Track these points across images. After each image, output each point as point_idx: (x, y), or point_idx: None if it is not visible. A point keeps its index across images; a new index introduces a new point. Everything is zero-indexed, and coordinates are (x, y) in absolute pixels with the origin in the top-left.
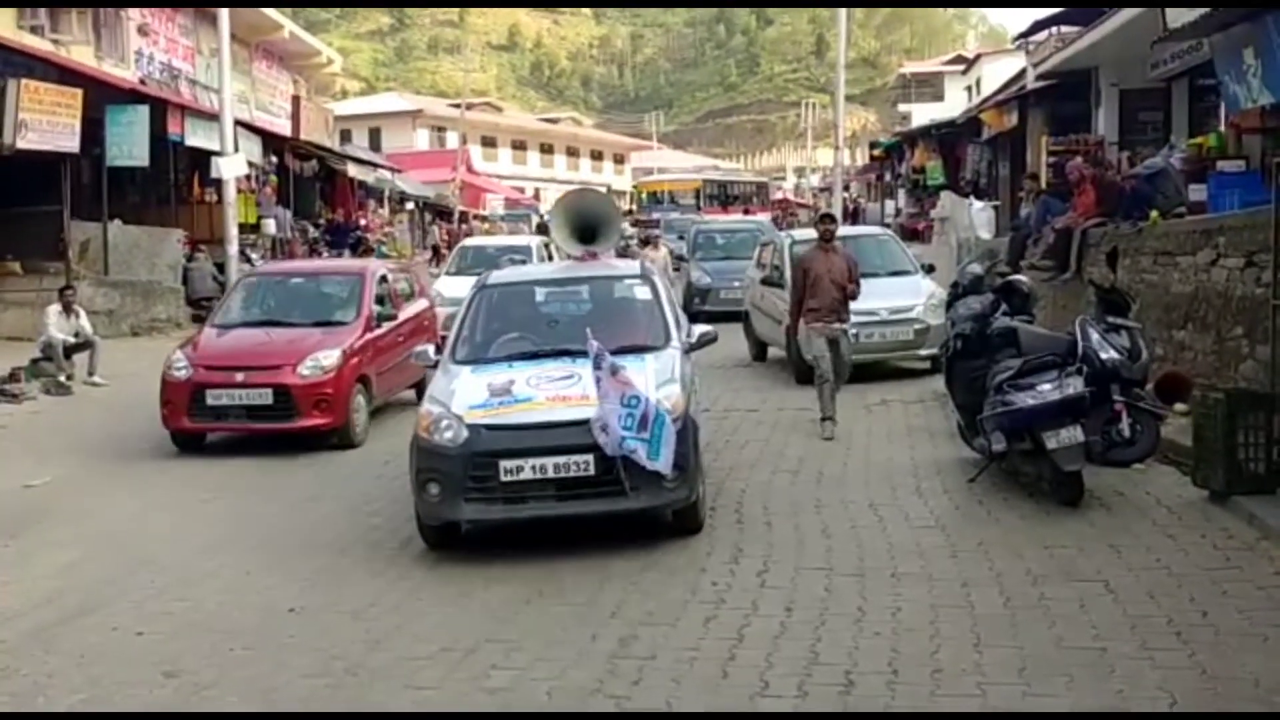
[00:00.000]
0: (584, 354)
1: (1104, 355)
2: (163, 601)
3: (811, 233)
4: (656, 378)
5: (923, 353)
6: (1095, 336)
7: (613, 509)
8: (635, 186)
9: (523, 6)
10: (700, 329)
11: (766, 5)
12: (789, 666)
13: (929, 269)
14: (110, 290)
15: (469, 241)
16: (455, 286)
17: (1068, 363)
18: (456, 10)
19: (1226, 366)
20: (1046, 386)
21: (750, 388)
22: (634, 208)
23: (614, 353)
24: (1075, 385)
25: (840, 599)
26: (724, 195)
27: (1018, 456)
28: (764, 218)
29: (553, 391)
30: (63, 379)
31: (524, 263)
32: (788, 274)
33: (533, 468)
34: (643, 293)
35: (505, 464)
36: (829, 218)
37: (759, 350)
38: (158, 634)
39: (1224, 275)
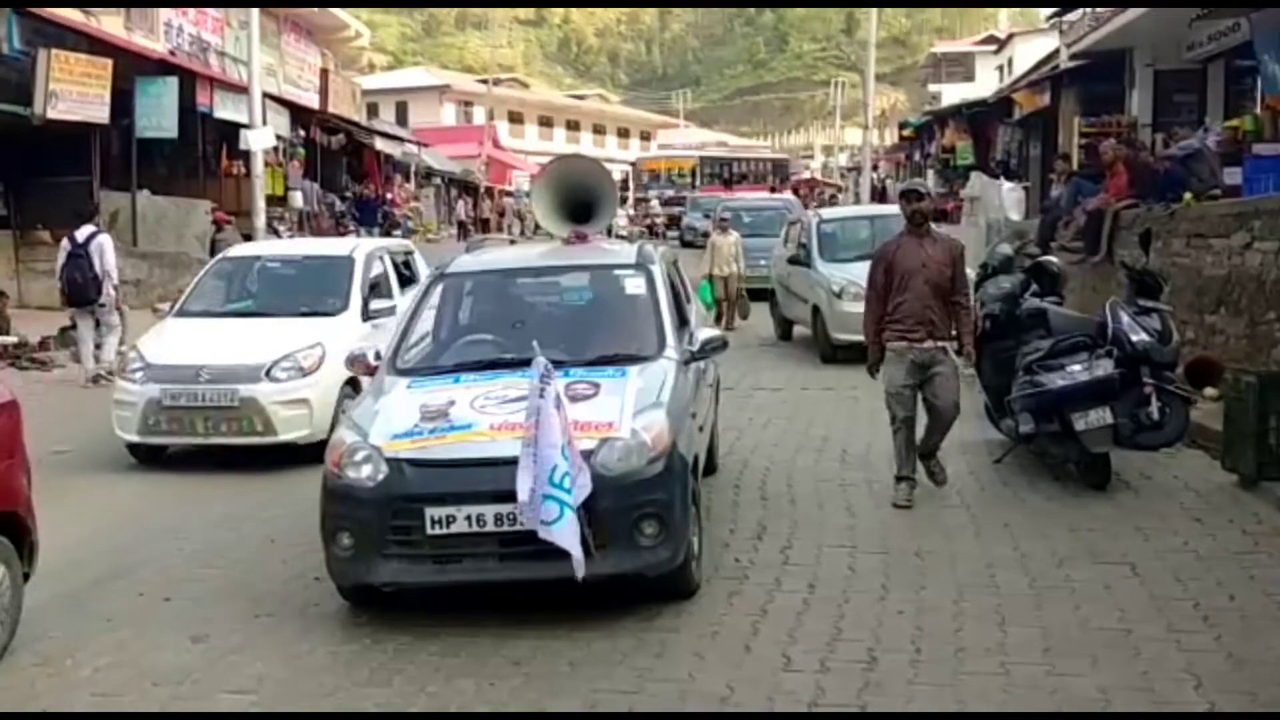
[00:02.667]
0: (555, 364)
1: (1134, 338)
2: (189, 568)
3: (843, 210)
4: (636, 401)
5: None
6: (1126, 319)
7: (572, 574)
8: (633, 164)
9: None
10: (707, 333)
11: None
12: (811, 643)
13: None
14: (139, 261)
15: (235, 251)
16: (173, 342)
17: (1098, 344)
18: None
19: (1259, 351)
20: (1076, 368)
21: (775, 366)
22: (630, 185)
23: (590, 364)
24: (1105, 367)
25: (864, 577)
26: (725, 173)
27: (1045, 438)
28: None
29: (500, 417)
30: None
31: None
32: (815, 252)
33: (468, 518)
34: (635, 286)
35: (432, 511)
36: (914, 194)
37: (784, 329)
38: (184, 599)
39: (1258, 259)
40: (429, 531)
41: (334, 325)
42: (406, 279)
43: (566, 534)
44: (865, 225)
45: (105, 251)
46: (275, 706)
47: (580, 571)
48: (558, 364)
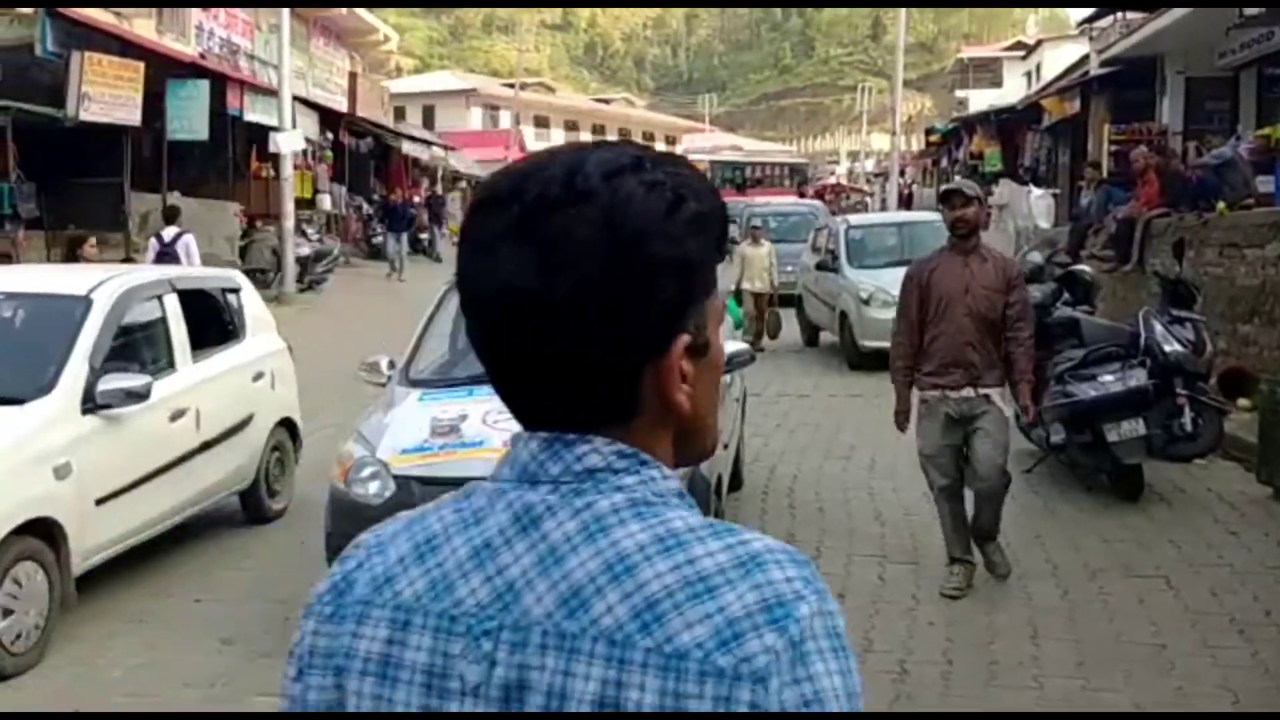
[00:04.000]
0: None
1: (1167, 348)
2: (217, 570)
3: (872, 216)
4: None
5: None
6: (1159, 328)
7: None
8: None
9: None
10: (732, 347)
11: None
12: None
13: None
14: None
15: None
16: None
17: (1131, 355)
18: None
19: None
20: (1109, 378)
21: (802, 372)
22: None
23: None
24: (1138, 377)
25: (894, 587)
26: (739, 178)
27: (1077, 448)
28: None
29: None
30: None
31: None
32: (844, 259)
33: None
34: None
35: None
36: (958, 196)
37: (811, 335)
38: (213, 601)
39: None
40: None
41: (16, 422)
42: (226, 331)
43: None
44: (894, 232)
45: (191, 250)
46: None
47: None
48: None
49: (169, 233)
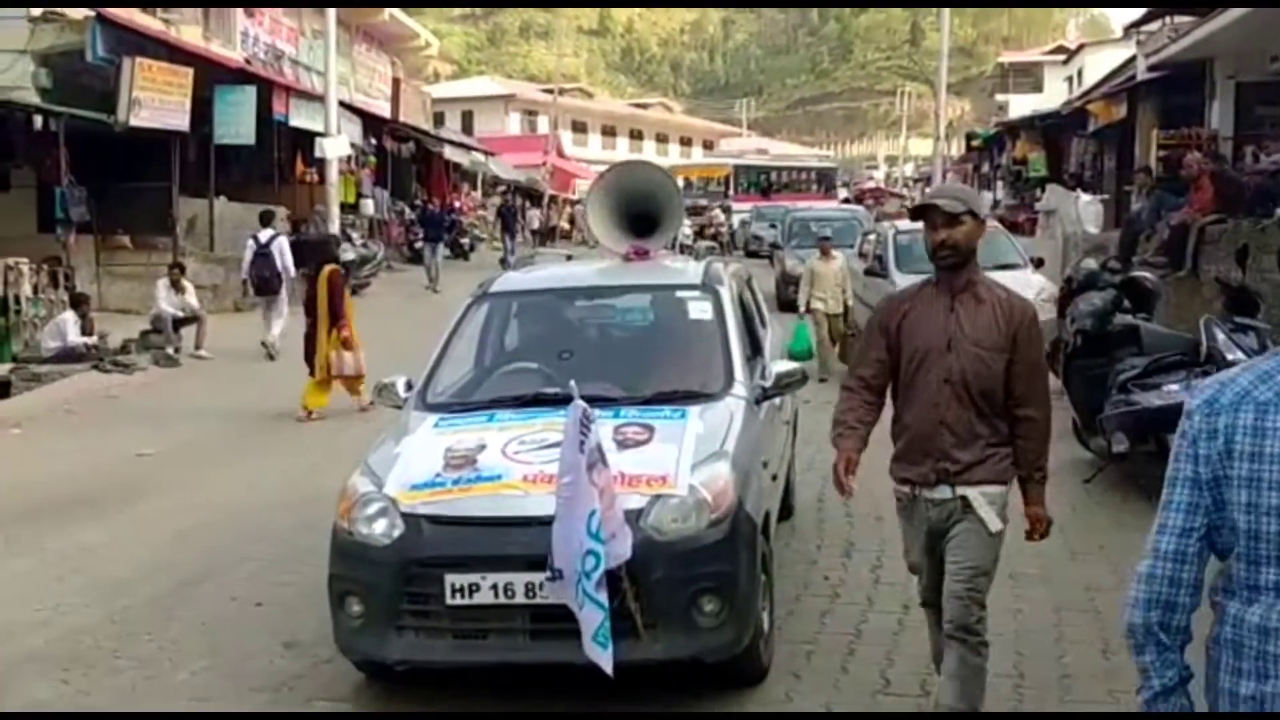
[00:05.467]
0: (604, 402)
1: (1230, 356)
2: (277, 573)
3: (918, 224)
4: (696, 450)
5: None
6: (1221, 336)
7: (615, 658)
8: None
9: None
10: (783, 366)
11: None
12: (910, 665)
13: (1038, 263)
14: (215, 266)
15: None
16: None
17: (1194, 363)
18: None
19: None
20: (1174, 387)
21: None
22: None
23: (645, 402)
24: None
25: None
26: (764, 181)
27: (1140, 458)
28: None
29: (536, 466)
30: (171, 352)
31: None
32: (892, 264)
33: (494, 587)
34: (701, 310)
35: (453, 579)
36: (934, 210)
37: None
38: (274, 605)
39: None
40: (449, 601)
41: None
42: None
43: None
44: None
45: (284, 250)
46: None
47: (608, 665)
48: (608, 401)
49: (265, 234)
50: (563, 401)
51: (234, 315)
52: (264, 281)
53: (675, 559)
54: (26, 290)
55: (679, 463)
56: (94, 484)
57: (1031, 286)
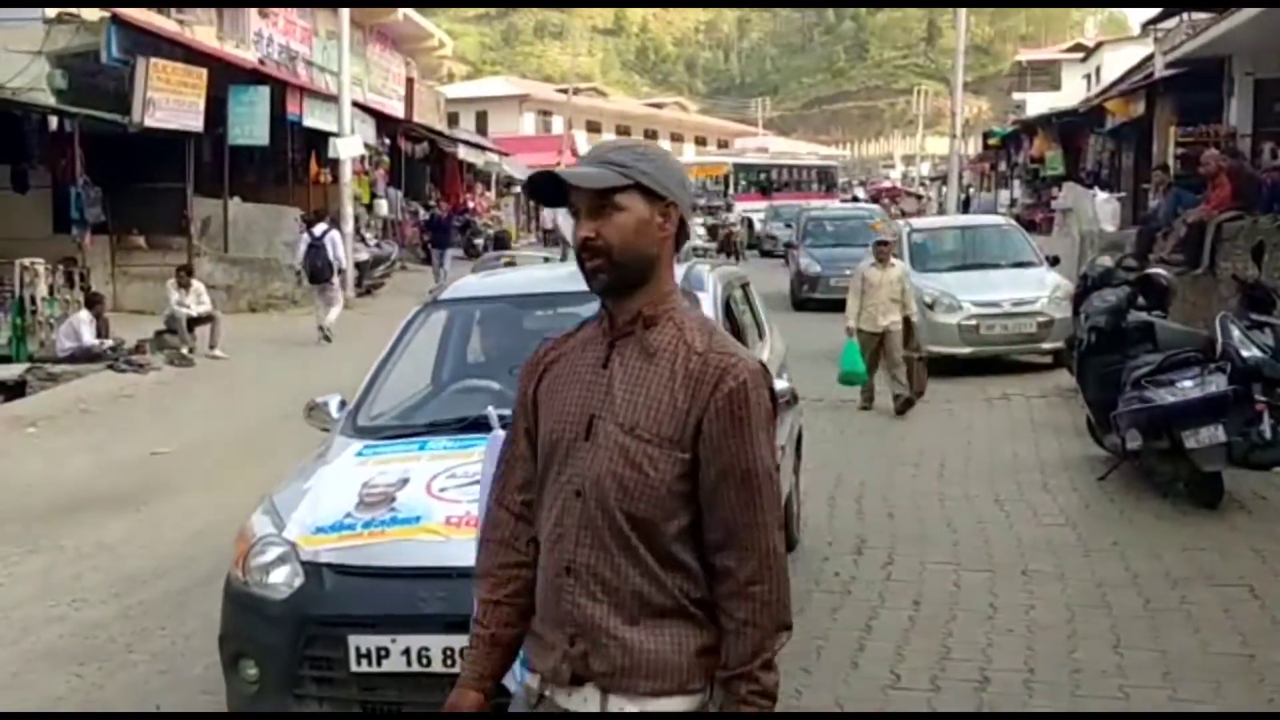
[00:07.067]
0: None
1: (1246, 353)
2: None
3: (935, 220)
4: None
5: (1045, 347)
6: (1237, 334)
7: None
8: None
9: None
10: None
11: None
12: (920, 660)
13: (1054, 261)
14: (229, 266)
15: None
16: None
17: (1209, 360)
18: None
19: None
20: (1188, 383)
21: None
22: None
23: None
24: (1218, 383)
25: (970, 594)
26: (764, 180)
27: (1153, 455)
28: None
29: (463, 507)
30: (185, 351)
31: None
32: (907, 263)
33: (406, 653)
34: None
35: (358, 641)
36: (574, 190)
37: None
38: None
39: None
40: (354, 668)
41: None
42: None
43: None
44: (957, 236)
45: (337, 244)
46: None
47: None
48: None
49: (319, 228)
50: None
51: (248, 315)
52: (316, 270)
53: None
54: (42, 290)
55: None
56: (109, 482)
57: (1046, 285)
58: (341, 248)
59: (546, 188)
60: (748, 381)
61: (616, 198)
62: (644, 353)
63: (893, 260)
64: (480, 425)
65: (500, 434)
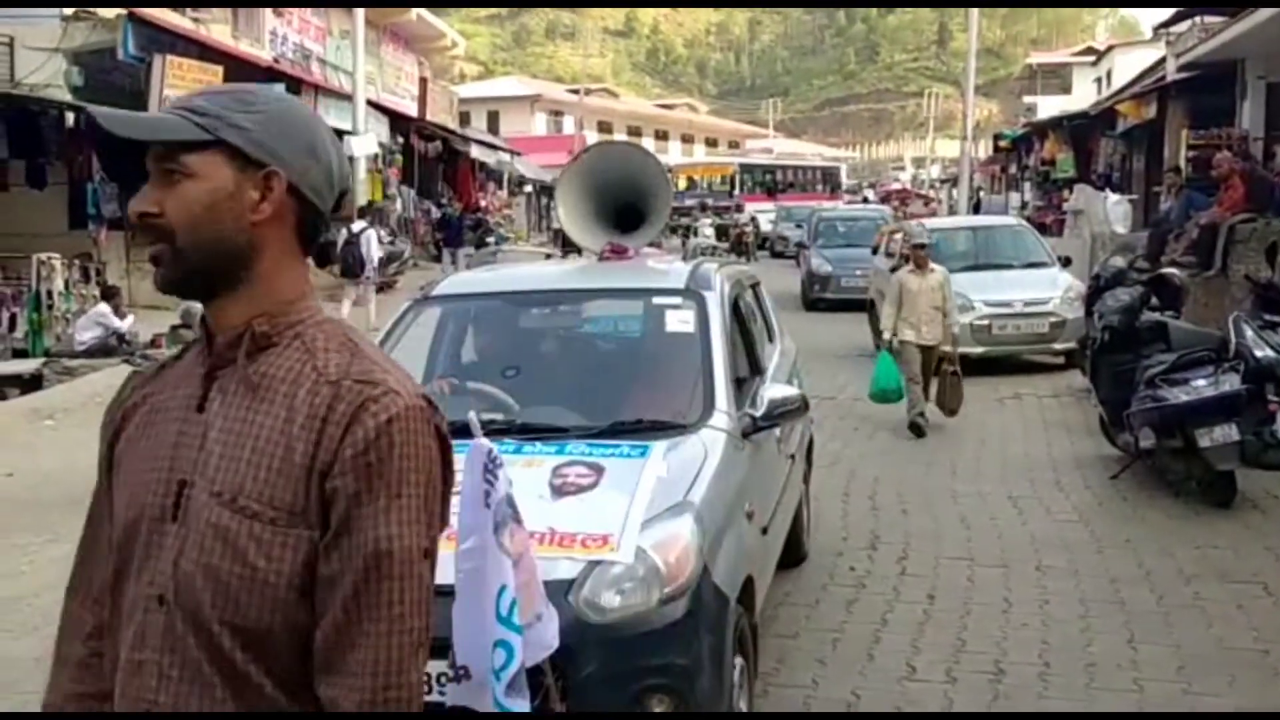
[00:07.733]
0: (548, 434)
1: (1259, 353)
2: None
3: (944, 221)
4: (652, 500)
5: (1057, 347)
6: (1250, 333)
7: None
8: (669, 170)
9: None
10: (779, 391)
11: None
12: (936, 653)
13: (1066, 262)
14: None
15: None
16: None
17: (1223, 359)
18: None
19: None
20: (1201, 382)
21: None
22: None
23: (600, 435)
24: (1232, 382)
25: (984, 589)
26: (769, 181)
27: (1166, 454)
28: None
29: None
30: None
31: None
32: None
33: None
34: (681, 322)
35: None
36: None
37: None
38: None
39: None
40: None
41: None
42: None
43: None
44: (968, 236)
45: (370, 242)
46: None
47: None
48: (556, 432)
49: (357, 225)
50: (498, 433)
51: None
52: (349, 266)
53: (615, 647)
54: (59, 285)
55: (627, 517)
56: None
57: (1058, 285)
58: (376, 247)
59: (116, 149)
60: (395, 420)
61: (185, 158)
62: (249, 388)
63: (932, 265)
64: (464, 432)
65: (483, 443)
